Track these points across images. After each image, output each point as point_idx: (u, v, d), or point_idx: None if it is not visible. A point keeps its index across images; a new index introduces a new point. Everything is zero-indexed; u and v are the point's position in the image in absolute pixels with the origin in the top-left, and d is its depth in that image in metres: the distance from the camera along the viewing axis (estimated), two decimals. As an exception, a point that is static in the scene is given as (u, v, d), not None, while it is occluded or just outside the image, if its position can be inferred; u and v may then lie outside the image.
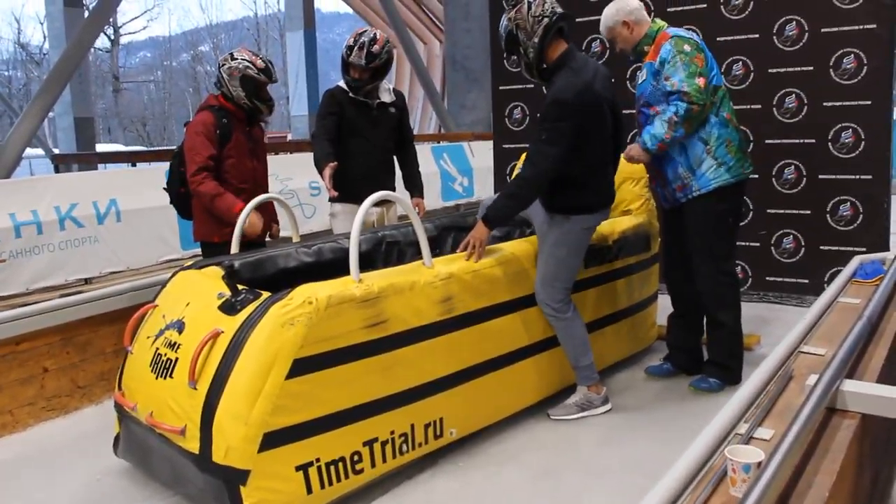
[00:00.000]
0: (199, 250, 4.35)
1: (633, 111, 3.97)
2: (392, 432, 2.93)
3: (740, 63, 5.21)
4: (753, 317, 4.70)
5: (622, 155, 3.80)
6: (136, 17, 73.44)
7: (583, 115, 3.29)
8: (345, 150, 4.09)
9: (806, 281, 5.17)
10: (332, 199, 4.12)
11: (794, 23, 5.04)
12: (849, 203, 4.96)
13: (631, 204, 4.28)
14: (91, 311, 3.97)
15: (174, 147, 4.42)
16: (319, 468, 2.71)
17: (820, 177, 5.04)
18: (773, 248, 5.26)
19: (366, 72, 4.05)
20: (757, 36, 5.15)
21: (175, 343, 2.85)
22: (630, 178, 4.26)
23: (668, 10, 5.23)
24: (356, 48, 4.01)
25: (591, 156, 3.42)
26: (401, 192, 3.86)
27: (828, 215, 5.04)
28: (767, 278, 5.32)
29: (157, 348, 2.92)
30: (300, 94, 17.00)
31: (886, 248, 4.75)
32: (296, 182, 7.91)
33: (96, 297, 4.03)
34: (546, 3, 3.36)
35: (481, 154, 10.90)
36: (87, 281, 6.03)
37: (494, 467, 3.16)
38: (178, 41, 52.28)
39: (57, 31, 15.16)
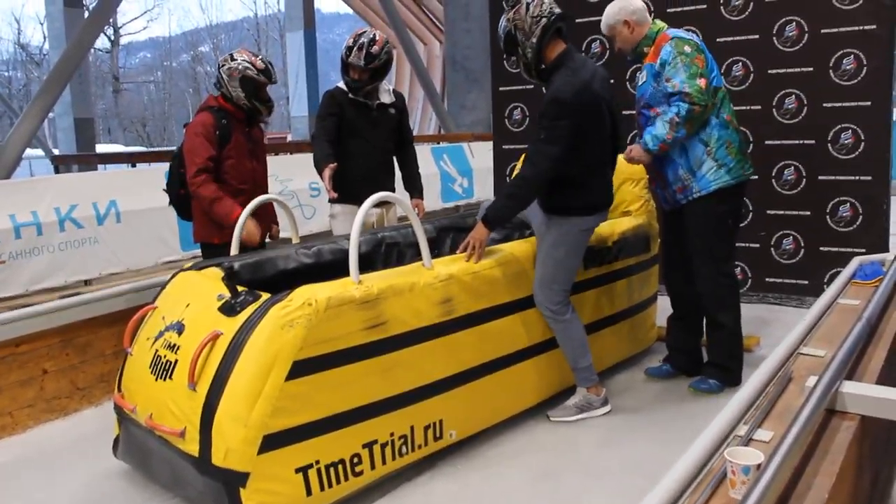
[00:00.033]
0: (198, 251, 4.34)
1: (633, 112, 3.97)
2: (392, 434, 2.93)
3: (740, 64, 5.21)
4: (753, 318, 4.70)
5: (622, 156, 3.81)
6: (136, 18, 73.53)
7: (581, 114, 3.29)
8: (344, 151, 4.09)
9: (805, 282, 5.17)
10: (331, 201, 4.12)
11: (794, 23, 5.04)
12: (848, 204, 4.96)
13: (631, 205, 4.28)
14: (91, 312, 3.97)
15: (174, 148, 4.42)
16: (319, 470, 2.71)
17: (820, 178, 5.04)
18: (772, 249, 5.27)
19: (365, 72, 4.05)
20: (757, 37, 5.15)
21: (175, 345, 2.85)
22: (630, 180, 4.26)
23: (668, 10, 5.23)
24: (355, 49, 4.01)
25: (590, 156, 3.42)
26: (400, 193, 3.86)
27: (827, 216, 5.04)
28: (767, 279, 5.32)
29: (157, 350, 2.92)
30: (300, 94, 17.00)
31: (886, 250, 4.75)
32: (296, 183, 7.92)
33: (96, 299, 4.03)
34: (544, 3, 3.37)
35: (481, 155, 10.90)
36: (86, 282, 6.03)
37: (493, 469, 3.16)
38: (178, 42, 52.31)
39: (57, 32, 15.16)
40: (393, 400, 2.91)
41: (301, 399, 2.64)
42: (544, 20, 3.35)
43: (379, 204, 3.67)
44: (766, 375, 2.41)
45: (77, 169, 10.27)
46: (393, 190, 4.15)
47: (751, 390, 2.28)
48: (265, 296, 2.79)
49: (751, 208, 5.22)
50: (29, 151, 12.30)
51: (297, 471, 2.66)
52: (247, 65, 3.91)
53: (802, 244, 5.17)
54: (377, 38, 4.06)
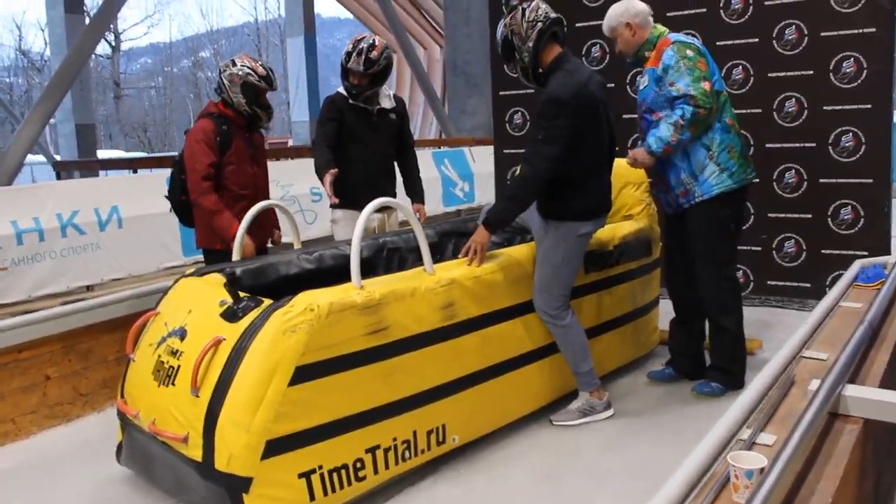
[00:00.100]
0: (200, 257, 4.35)
1: (635, 116, 3.97)
2: (394, 439, 2.93)
3: (740, 67, 5.22)
4: (755, 321, 4.70)
5: (625, 160, 3.81)
6: (136, 24, 73.73)
7: (579, 114, 3.30)
8: (345, 156, 4.09)
9: (807, 285, 5.17)
10: (333, 206, 4.12)
11: (794, 27, 5.04)
12: (850, 207, 4.96)
13: (632, 209, 4.28)
14: (93, 318, 3.97)
15: (175, 153, 4.44)
16: (322, 475, 2.71)
17: (821, 181, 5.05)
18: (774, 252, 5.27)
19: (364, 77, 4.06)
20: (757, 40, 5.16)
21: (177, 350, 2.86)
22: (631, 184, 4.26)
23: (668, 14, 5.24)
24: (354, 54, 4.02)
25: (587, 158, 3.42)
26: (402, 198, 3.87)
27: (829, 219, 5.04)
28: (769, 282, 5.32)
29: (159, 356, 2.92)
30: (301, 99, 17.03)
31: (888, 252, 4.75)
32: (297, 188, 7.94)
33: (98, 305, 4.03)
34: (540, 8, 3.41)
35: (482, 159, 10.92)
36: (88, 288, 6.04)
37: (496, 473, 3.16)
38: (178, 47, 52.34)
39: (58, 38, 15.17)
40: (395, 405, 2.92)
41: (303, 404, 2.65)
42: (540, 24, 3.38)
43: (380, 209, 3.68)
44: (768, 379, 2.41)
45: (79, 175, 10.28)
46: (394, 195, 4.17)
47: (753, 394, 2.28)
48: (267, 301, 2.80)
49: (752, 211, 5.22)
50: (30, 157, 12.32)
51: (300, 476, 2.66)
52: (248, 71, 3.91)
53: (804, 247, 5.17)
54: (376, 43, 4.07)
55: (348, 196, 4.00)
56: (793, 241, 5.19)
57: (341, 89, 4.18)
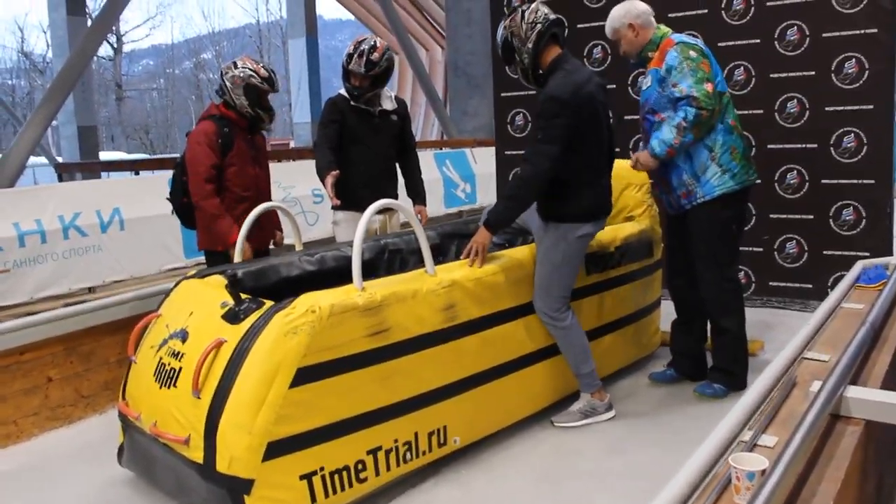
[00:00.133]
0: (202, 258, 4.35)
1: (636, 117, 3.97)
2: (396, 441, 2.93)
3: (742, 68, 5.22)
4: (757, 322, 4.70)
5: (629, 162, 3.81)
6: (138, 26, 73.90)
7: (578, 114, 3.31)
8: (346, 158, 4.10)
9: (809, 286, 5.16)
10: (334, 207, 4.12)
11: (796, 28, 5.04)
12: (851, 207, 4.96)
13: (633, 210, 4.28)
14: (95, 320, 3.98)
15: (177, 155, 4.44)
16: (323, 477, 2.71)
17: (822, 181, 5.04)
18: (776, 253, 5.26)
19: (365, 79, 4.06)
20: (758, 41, 5.16)
21: (178, 352, 2.86)
22: (632, 185, 4.26)
23: (670, 15, 5.24)
24: (355, 56, 4.03)
25: (587, 158, 3.42)
26: (403, 200, 3.87)
27: (831, 220, 5.03)
28: (771, 283, 5.32)
29: (161, 358, 2.93)
30: (302, 101, 17.04)
31: (890, 253, 4.75)
32: (299, 189, 7.95)
33: (100, 307, 4.03)
34: (539, 10, 3.43)
35: (484, 160, 10.92)
36: (90, 290, 6.05)
37: (497, 475, 3.15)
38: (180, 49, 52.42)
39: (60, 40, 15.20)
40: (396, 406, 2.91)
41: (305, 406, 2.64)
42: (539, 26, 3.40)
43: (382, 210, 3.68)
44: (770, 380, 2.41)
45: (80, 177, 10.30)
46: (396, 196, 4.17)
47: (755, 396, 2.28)
48: (269, 303, 2.80)
49: (754, 212, 5.21)
50: (33, 159, 12.34)
51: (302, 478, 2.66)
52: (250, 73, 3.92)
53: (806, 248, 5.16)
54: (377, 44, 4.07)
55: (350, 197, 4.01)
56: (794, 241, 5.19)
57: (343, 91, 4.18)
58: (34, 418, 3.77)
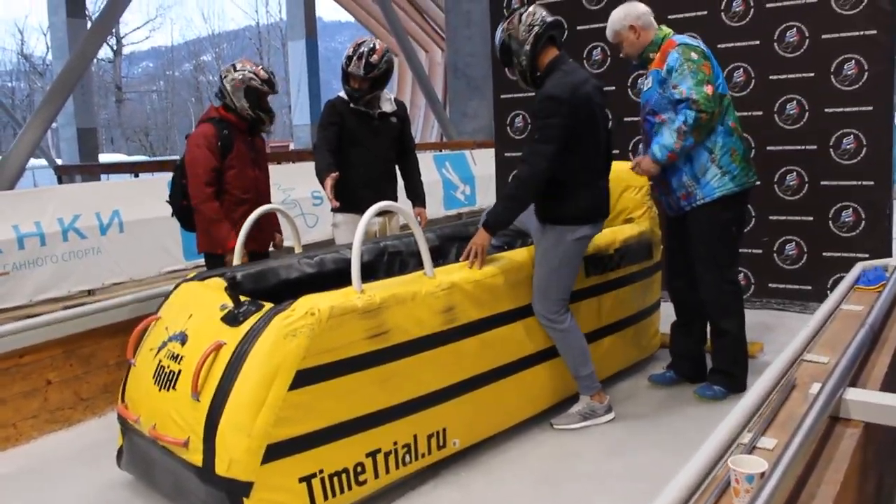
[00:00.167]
0: (201, 260, 4.35)
1: (637, 119, 3.97)
2: (395, 443, 2.92)
3: (741, 70, 5.22)
4: (757, 324, 4.70)
5: (630, 165, 3.81)
6: (138, 28, 73.92)
7: (574, 113, 3.31)
8: (346, 160, 4.10)
9: (809, 287, 5.16)
10: (334, 210, 4.13)
11: (795, 29, 5.04)
12: (851, 209, 4.96)
13: (633, 212, 4.28)
14: (94, 323, 3.98)
15: (177, 157, 4.45)
16: (323, 479, 2.71)
17: (822, 183, 5.04)
18: (775, 254, 5.26)
19: (365, 81, 4.07)
20: (758, 42, 5.16)
21: (178, 355, 2.86)
22: (632, 187, 4.26)
23: (669, 17, 5.24)
24: (355, 58, 4.03)
25: (584, 159, 3.42)
26: (403, 202, 3.87)
27: (830, 221, 5.03)
28: (770, 285, 5.32)
29: (160, 360, 2.92)
30: (302, 103, 17.04)
31: (889, 254, 4.74)
32: (298, 192, 7.94)
33: (99, 310, 4.03)
34: (536, 13, 3.45)
35: (483, 162, 10.92)
36: (90, 292, 6.04)
37: (497, 477, 3.15)
38: (180, 51, 52.44)
39: (60, 42, 15.20)
40: (396, 409, 2.91)
41: (304, 408, 2.64)
42: (536, 28, 3.42)
43: (381, 213, 3.68)
44: (769, 383, 2.41)
45: (80, 179, 10.31)
46: (395, 198, 4.17)
47: (754, 398, 2.28)
48: (268, 306, 2.80)
49: (753, 214, 5.21)
50: (32, 161, 12.33)
51: (301, 480, 2.66)
52: (251, 75, 3.92)
53: (805, 249, 5.16)
54: (377, 47, 4.07)
55: (349, 200, 4.01)
56: (794, 243, 5.19)
57: (342, 93, 4.18)
58: (33, 421, 3.77)
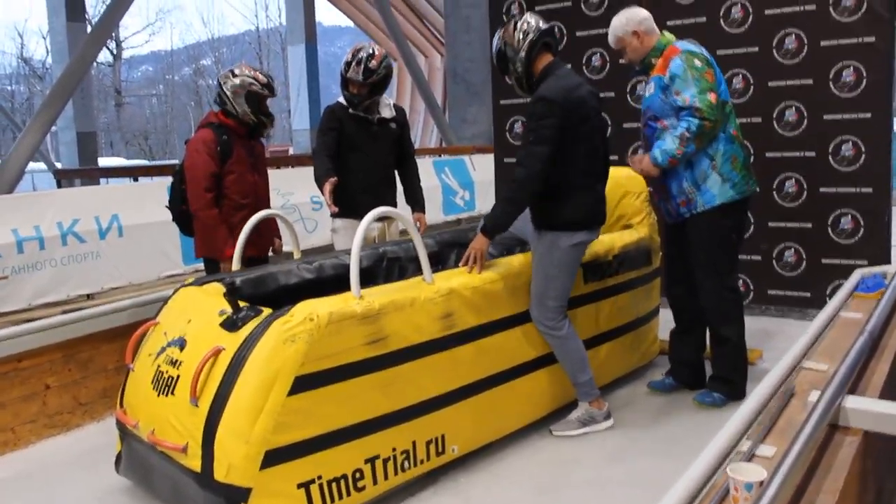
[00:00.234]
0: (200, 265, 4.35)
1: (636, 125, 3.97)
2: (394, 449, 2.92)
3: (740, 76, 5.22)
4: (756, 330, 4.69)
5: (629, 162, 3.82)
6: (138, 32, 73.82)
7: (568, 115, 3.32)
8: (345, 165, 4.10)
9: (808, 294, 5.15)
10: (333, 215, 4.13)
11: (794, 36, 5.05)
12: (850, 216, 4.95)
13: (632, 218, 4.28)
14: (93, 327, 3.98)
15: (176, 161, 4.45)
16: (321, 485, 2.70)
17: (821, 190, 5.04)
18: (774, 261, 5.26)
19: (364, 87, 4.07)
20: (756, 49, 5.16)
21: (176, 360, 2.85)
22: (631, 193, 4.27)
23: (668, 23, 5.25)
24: (354, 63, 4.04)
25: (580, 164, 3.43)
26: (402, 207, 3.87)
27: (829, 228, 5.03)
28: (769, 292, 5.31)
29: (159, 365, 2.92)
30: (301, 107, 17.06)
31: (888, 261, 4.74)
32: (297, 196, 7.93)
33: (98, 314, 4.03)
34: (531, 20, 3.50)
35: (483, 168, 10.92)
36: (89, 296, 6.03)
37: (495, 484, 3.15)
38: (180, 55, 52.46)
39: (60, 46, 15.22)
40: (394, 415, 2.91)
41: (303, 414, 2.64)
42: (531, 35, 3.46)
43: (380, 218, 3.69)
44: (768, 390, 2.41)
45: (79, 183, 10.29)
46: (394, 204, 4.17)
47: (753, 405, 2.28)
48: (267, 311, 2.80)
49: (752, 221, 5.21)
50: (32, 165, 12.33)
51: (300, 486, 2.66)
52: (251, 80, 3.93)
53: (804, 256, 5.16)
54: (376, 52, 4.08)
55: (348, 205, 4.01)
56: (793, 250, 5.19)
57: (341, 99, 4.19)
58: (32, 425, 3.76)
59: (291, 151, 21.58)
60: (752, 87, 5.21)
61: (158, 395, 2.85)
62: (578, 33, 5.76)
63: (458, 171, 11.03)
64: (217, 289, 3.15)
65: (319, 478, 2.70)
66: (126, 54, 44.22)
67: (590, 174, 3.51)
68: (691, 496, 1.82)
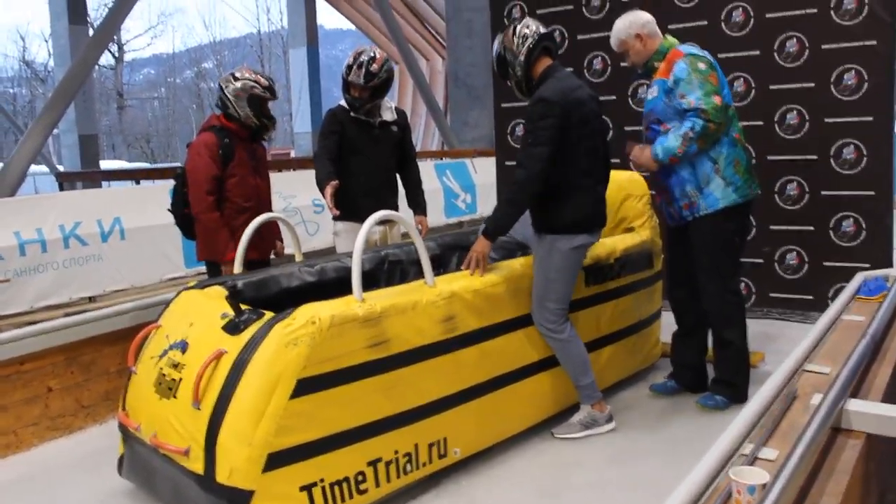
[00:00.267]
0: (202, 268, 4.36)
1: (638, 128, 3.98)
2: (396, 452, 2.92)
3: (741, 80, 5.23)
4: (758, 333, 4.69)
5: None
6: (140, 35, 74.10)
7: (567, 116, 3.33)
8: (346, 168, 4.11)
9: (810, 297, 5.16)
10: (335, 218, 4.13)
11: (795, 39, 5.06)
12: (851, 219, 4.96)
13: (633, 221, 4.28)
14: (95, 330, 3.98)
15: (178, 164, 4.46)
16: (324, 488, 2.70)
17: (822, 193, 5.05)
18: (776, 264, 5.26)
19: (365, 90, 4.08)
20: (758, 53, 5.17)
21: (179, 363, 2.86)
22: (633, 196, 4.27)
23: (669, 26, 5.26)
24: (355, 67, 4.04)
25: (580, 165, 3.43)
26: (404, 210, 3.87)
27: (831, 231, 5.04)
28: (771, 294, 5.32)
29: (161, 368, 2.92)
30: (303, 110, 17.10)
31: (890, 265, 4.75)
32: (299, 199, 7.95)
33: (100, 317, 4.03)
34: (530, 25, 3.52)
35: (484, 171, 10.94)
36: (91, 299, 6.04)
37: (498, 487, 3.15)
38: (181, 58, 52.47)
39: (62, 49, 15.25)
40: (397, 418, 2.91)
41: (305, 417, 2.64)
42: (530, 40, 3.48)
43: (382, 221, 3.69)
44: (770, 393, 2.41)
45: (81, 186, 10.30)
46: (396, 207, 4.18)
47: (756, 408, 2.28)
48: (269, 314, 2.80)
49: (754, 224, 5.21)
50: (33, 168, 12.35)
51: (302, 489, 2.66)
52: (252, 83, 3.94)
53: (806, 259, 5.16)
54: (377, 56, 4.09)
55: (350, 208, 4.02)
56: (794, 253, 5.19)
57: (343, 102, 4.19)
58: (34, 428, 3.76)
59: (293, 154, 21.58)
60: (753, 90, 5.22)
61: (160, 397, 2.86)
62: (580, 37, 5.77)
63: (460, 174, 11.04)
64: (219, 292, 3.16)
65: (322, 480, 2.70)
66: (128, 57, 44.24)
67: (590, 175, 3.51)
68: (693, 499, 1.82)
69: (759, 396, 2.37)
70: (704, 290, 3.81)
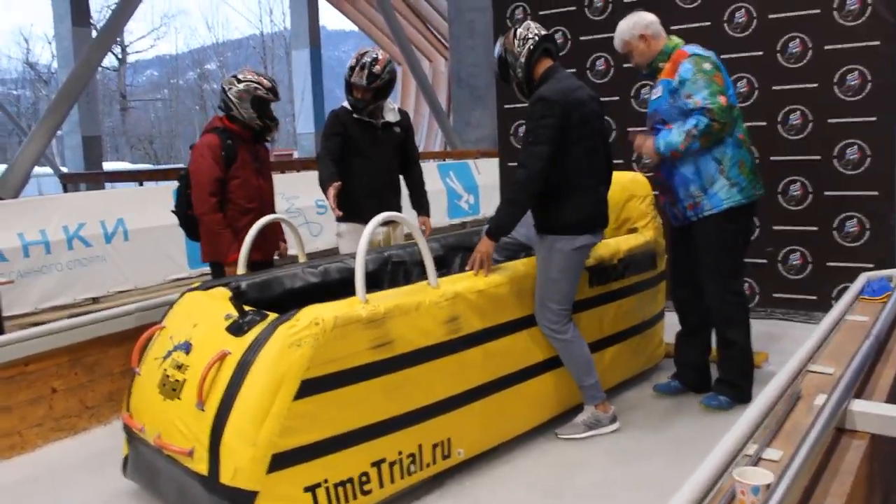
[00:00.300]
0: (206, 269, 4.36)
1: (640, 129, 3.97)
2: (400, 453, 2.92)
3: (744, 80, 5.23)
4: (761, 334, 4.68)
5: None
6: (143, 36, 74.10)
7: (567, 115, 3.34)
8: (349, 170, 4.11)
9: (814, 297, 5.16)
10: (338, 219, 4.14)
11: (798, 40, 5.05)
12: (855, 219, 4.95)
13: (637, 222, 4.28)
14: (99, 331, 3.98)
15: (181, 165, 4.48)
16: (328, 489, 2.71)
17: (825, 193, 5.04)
18: (780, 264, 5.26)
19: (368, 92, 4.09)
20: (761, 53, 5.17)
21: (182, 364, 2.86)
22: (636, 196, 4.27)
23: (672, 27, 5.25)
24: (357, 68, 4.05)
25: (581, 165, 3.43)
26: (407, 211, 3.87)
27: (834, 232, 5.03)
28: (775, 295, 5.31)
29: (165, 369, 2.93)
30: (306, 111, 17.11)
31: (893, 265, 4.73)
32: (302, 200, 7.96)
33: (104, 318, 4.04)
34: (531, 27, 3.55)
35: (487, 171, 10.94)
36: (95, 300, 6.06)
37: (502, 487, 3.15)
38: (184, 59, 52.49)
39: (65, 51, 15.28)
40: (401, 418, 2.91)
41: (309, 418, 2.65)
42: (530, 42, 3.50)
43: (386, 222, 3.69)
44: (774, 394, 2.40)
45: (85, 187, 10.33)
46: (399, 208, 4.18)
47: (760, 409, 2.28)
48: (272, 315, 2.80)
49: (757, 224, 5.21)
50: (37, 169, 12.38)
51: (306, 490, 2.66)
52: (255, 85, 3.95)
53: (809, 259, 5.16)
54: (379, 57, 4.10)
55: (353, 209, 4.02)
56: (798, 253, 5.19)
57: (346, 103, 4.20)
58: (38, 429, 3.77)
59: (296, 155, 21.59)
60: (756, 90, 5.22)
61: (164, 398, 2.86)
62: (582, 38, 5.77)
63: (463, 174, 11.05)
64: (223, 293, 3.16)
65: (326, 481, 2.70)
66: (131, 59, 44.28)
67: (591, 175, 3.51)
68: (697, 500, 1.82)
69: (763, 397, 2.37)
70: (707, 290, 3.81)
